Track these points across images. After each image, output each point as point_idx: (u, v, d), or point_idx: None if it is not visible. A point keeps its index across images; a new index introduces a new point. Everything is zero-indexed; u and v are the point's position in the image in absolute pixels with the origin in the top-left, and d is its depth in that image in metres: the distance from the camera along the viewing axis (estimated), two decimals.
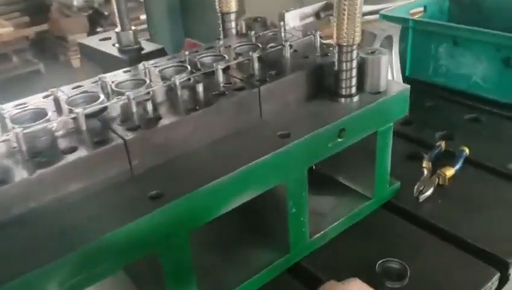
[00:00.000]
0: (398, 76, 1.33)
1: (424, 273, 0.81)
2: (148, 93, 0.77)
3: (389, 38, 1.30)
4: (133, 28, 1.05)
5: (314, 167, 1.00)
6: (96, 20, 5.29)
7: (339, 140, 0.80)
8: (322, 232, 0.88)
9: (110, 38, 1.11)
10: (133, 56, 1.01)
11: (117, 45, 1.06)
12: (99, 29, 5.16)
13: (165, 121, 0.71)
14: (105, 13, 5.20)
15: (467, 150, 1.10)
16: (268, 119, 0.80)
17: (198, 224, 0.67)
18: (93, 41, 1.13)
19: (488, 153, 1.12)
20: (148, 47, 1.05)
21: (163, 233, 0.64)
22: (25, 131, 0.65)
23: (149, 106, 0.74)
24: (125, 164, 0.67)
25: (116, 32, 1.05)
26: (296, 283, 0.82)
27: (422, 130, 1.23)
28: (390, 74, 1.29)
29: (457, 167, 1.05)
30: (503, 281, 0.82)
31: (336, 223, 0.90)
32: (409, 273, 0.80)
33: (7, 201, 0.59)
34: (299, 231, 0.83)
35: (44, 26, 5.26)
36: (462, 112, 1.32)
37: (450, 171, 1.03)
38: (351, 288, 0.67)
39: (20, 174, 0.60)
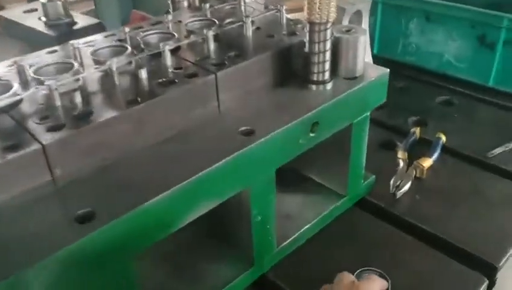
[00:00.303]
0: (368, 55, 1.22)
1: (405, 283, 0.72)
2: (77, 81, 0.62)
3: (358, 14, 1.18)
4: None
5: None
6: None
7: (311, 135, 0.68)
8: (290, 239, 0.77)
9: (36, 9, 0.93)
10: (63, 32, 0.84)
11: (44, 18, 0.88)
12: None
13: (98, 117, 0.56)
14: None
15: (443, 138, 1.01)
16: (227, 113, 0.67)
17: (141, 248, 0.54)
18: (15, 13, 0.94)
19: (464, 140, 1.04)
20: (82, 21, 0.88)
21: (96, 263, 0.50)
22: None
23: (77, 98, 0.59)
24: (45, 175, 0.53)
25: (42, 3, 0.87)
26: None
27: (394, 114, 1.14)
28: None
29: (435, 156, 0.96)
30: (490, 286, 0.74)
31: (306, 227, 0.79)
32: (389, 285, 0.70)
33: None
34: (265, 241, 0.72)
35: None
36: (434, 94, 1.23)
37: (427, 162, 0.94)
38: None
39: None
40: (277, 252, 0.75)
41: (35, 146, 0.52)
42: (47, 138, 0.52)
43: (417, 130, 1.04)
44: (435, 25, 1.25)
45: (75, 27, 0.87)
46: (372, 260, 0.76)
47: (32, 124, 0.55)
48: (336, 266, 0.75)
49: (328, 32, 0.69)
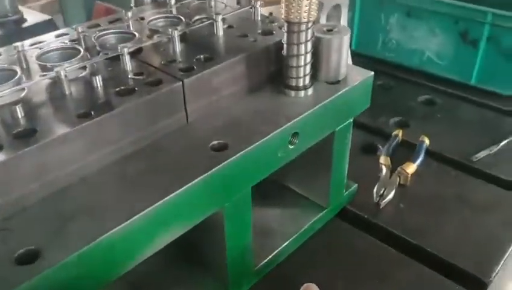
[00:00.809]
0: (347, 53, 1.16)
1: None
2: (20, 91, 0.53)
3: (337, 8, 1.12)
4: None
5: None
6: None
7: (291, 147, 0.62)
8: (268, 258, 0.70)
9: None
10: (10, 30, 0.74)
11: None
12: None
13: (43, 135, 0.48)
14: None
15: (426, 141, 0.96)
16: (197, 125, 0.59)
17: (100, 286, 0.46)
18: None
19: (448, 142, 0.99)
20: (32, 18, 0.79)
21: None
22: None
23: (19, 113, 0.51)
24: None
25: None
26: None
27: (375, 115, 1.08)
28: None
29: (418, 161, 0.91)
30: None
31: (285, 244, 0.73)
32: None
33: None
34: (241, 262, 0.65)
35: None
36: (415, 93, 1.18)
37: (411, 168, 0.89)
38: None
39: None
40: (255, 272, 0.68)
41: None
42: None
43: (399, 133, 0.99)
44: (417, 21, 1.20)
45: (24, 25, 0.77)
46: (355, 275, 0.71)
47: None
48: (317, 282, 0.69)
49: (309, 33, 0.62)
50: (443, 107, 1.13)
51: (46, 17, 0.80)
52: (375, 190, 0.84)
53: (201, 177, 0.51)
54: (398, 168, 0.88)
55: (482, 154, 0.95)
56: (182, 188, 0.49)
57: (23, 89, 0.54)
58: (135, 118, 0.54)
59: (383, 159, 0.91)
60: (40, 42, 0.65)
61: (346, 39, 0.66)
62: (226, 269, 0.64)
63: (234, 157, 0.54)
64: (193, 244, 0.66)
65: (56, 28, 0.75)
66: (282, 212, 0.78)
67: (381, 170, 0.89)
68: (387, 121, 1.07)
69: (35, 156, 0.47)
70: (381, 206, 0.82)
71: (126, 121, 0.53)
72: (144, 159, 0.54)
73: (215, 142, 0.56)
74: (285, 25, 0.62)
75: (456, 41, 1.15)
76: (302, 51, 0.63)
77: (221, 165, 0.53)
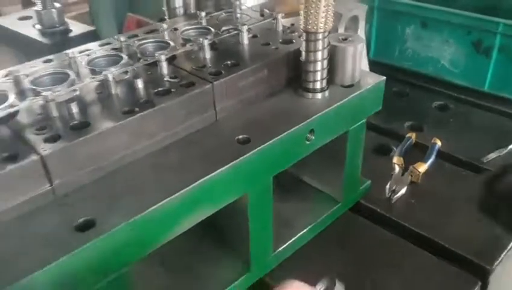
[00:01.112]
0: (364, 61, 1.23)
1: (399, 287, 0.73)
2: (74, 91, 0.62)
3: (354, 19, 1.19)
4: (57, 5, 0.87)
5: None
6: None
7: (307, 143, 0.69)
8: (287, 244, 0.77)
9: (31, 17, 0.93)
10: (58, 40, 0.84)
11: (38, 26, 0.88)
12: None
13: (95, 128, 0.57)
14: None
15: (438, 143, 1.02)
16: (224, 121, 0.67)
17: (140, 256, 0.54)
18: (10, 21, 0.94)
19: (459, 145, 1.04)
20: (76, 29, 0.88)
21: (97, 271, 0.50)
22: None
23: (74, 109, 0.59)
24: (44, 185, 0.53)
25: (37, 11, 0.87)
26: None
27: (390, 119, 1.14)
28: None
29: (430, 161, 0.97)
30: (483, 288, 0.75)
31: (302, 232, 0.79)
32: None
33: None
34: (262, 246, 0.72)
35: None
36: (430, 99, 1.24)
37: (422, 167, 0.95)
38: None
39: None
40: (274, 257, 0.75)
41: (33, 157, 0.52)
42: (45, 148, 0.53)
43: (413, 135, 1.05)
44: (431, 31, 1.26)
45: (70, 35, 0.87)
46: (366, 264, 0.78)
47: (30, 135, 0.55)
48: (331, 270, 0.76)
49: (325, 41, 0.69)
50: (456, 113, 1.18)
51: (89, 28, 0.89)
52: (387, 186, 0.90)
53: (228, 165, 0.59)
54: (410, 167, 0.94)
55: (491, 156, 1.00)
56: (212, 174, 0.57)
57: (76, 89, 0.63)
58: (171, 115, 0.62)
59: (396, 159, 0.97)
60: (87, 50, 0.74)
61: (360, 47, 0.73)
62: (248, 251, 0.71)
63: (256, 149, 0.62)
64: (219, 227, 0.74)
65: (97, 38, 0.84)
66: (299, 205, 0.85)
67: (394, 168, 0.95)
68: (401, 124, 1.13)
69: (88, 144, 0.56)
70: (392, 201, 0.88)
71: (164, 117, 0.62)
72: (179, 150, 0.62)
73: (240, 136, 0.64)
74: (304, 34, 0.69)
75: (469, 50, 1.20)
76: (319, 57, 0.70)
77: (245, 156, 0.61)
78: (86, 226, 0.50)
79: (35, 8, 0.86)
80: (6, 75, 0.64)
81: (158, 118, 0.61)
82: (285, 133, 0.65)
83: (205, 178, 0.57)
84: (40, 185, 0.53)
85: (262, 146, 0.62)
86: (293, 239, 0.78)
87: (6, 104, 0.57)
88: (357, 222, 0.87)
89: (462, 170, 0.98)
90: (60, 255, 0.46)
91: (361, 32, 1.22)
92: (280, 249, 0.76)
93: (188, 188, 0.55)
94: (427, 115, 1.17)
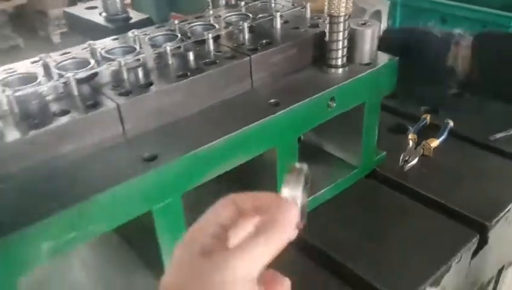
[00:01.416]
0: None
1: (407, 235, 0.85)
2: (139, 60, 0.77)
3: (377, 14, 1.31)
4: None
5: (302, 137, 1.02)
6: None
7: (329, 109, 0.82)
8: (309, 198, 0.90)
9: (96, 7, 1.10)
10: (121, 25, 1.00)
11: (104, 14, 1.05)
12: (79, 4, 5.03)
13: (156, 87, 0.71)
14: None
15: (451, 123, 1.12)
16: (259, 89, 0.81)
17: (190, 186, 0.68)
18: (78, 10, 1.11)
19: (471, 126, 1.14)
20: (135, 16, 1.04)
21: (156, 195, 0.64)
22: (16, 94, 0.64)
23: (140, 73, 0.74)
24: (118, 127, 0.68)
25: (103, 0, 1.04)
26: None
27: (407, 103, 1.25)
28: None
29: (442, 138, 1.08)
30: (482, 243, 0.85)
31: (323, 190, 0.92)
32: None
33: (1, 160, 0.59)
34: None
35: (23, 0, 5.10)
36: (447, 88, 1.34)
37: (434, 143, 1.05)
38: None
39: (14, 135, 0.60)
40: None
41: (111, 105, 0.67)
42: (120, 99, 0.68)
43: (428, 117, 1.16)
44: (450, 26, 1.36)
45: (131, 21, 1.03)
46: (378, 219, 0.89)
47: (108, 91, 0.70)
48: (349, 222, 0.88)
49: (346, 23, 0.82)
50: (470, 100, 1.28)
51: (145, 16, 1.05)
52: (401, 157, 1.02)
53: (261, 121, 0.72)
54: (423, 142, 1.05)
55: (499, 135, 1.10)
56: (248, 126, 0.71)
57: (140, 59, 0.78)
58: (216, 81, 0.76)
59: (410, 136, 1.09)
60: (146, 31, 0.89)
61: (375, 30, 0.86)
62: None
63: (285, 110, 0.75)
64: (248, 179, 0.87)
65: (153, 24, 0.99)
66: (321, 169, 0.98)
67: (408, 143, 1.07)
68: (418, 108, 1.23)
69: (152, 99, 0.70)
70: (405, 169, 0.99)
71: (210, 82, 0.76)
72: (222, 109, 0.76)
73: (271, 100, 0.77)
74: (328, 17, 0.82)
75: None
76: (340, 37, 0.83)
77: (275, 115, 0.74)
78: (151, 159, 0.64)
79: None
80: (85, 48, 0.80)
81: (205, 82, 0.75)
82: (309, 99, 0.78)
83: (243, 129, 0.70)
84: (115, 128, 0.68)
85: (290, 108, 0.76)
86: (315, 195, 0.91)
87: (89, 67, 0.72)
88: (372, 186, 0.98)
89: (471, 147, 1.09)
90: (132, 176, 0.61)
91: (383, 26, 1.34)
92: None
93: (229, 136, 0.69)
94: (443, 101, 1.27)
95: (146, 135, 0.69)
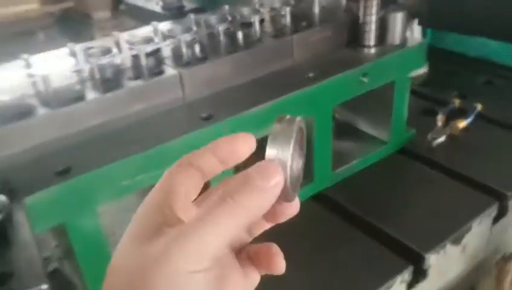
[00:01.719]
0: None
1: (431, 201, 0.93)
2: (195, 39, 0.89)
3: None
4: None
5: (336, 116, 1.11)
6: None
7: (361, 83, 0.91)
8: (344, 167, 0.99)
9: None
10: (175, 13, 1.13)
11: (160, 3, 1.18)
12: (122, 7, 5.30)
13: (210, 60, 0.83)
14: None
15: (479, 106, 1.19)
16: (300, 64, 0.92)
17: None
18: (138, 1, 1.25)
19: (499, 110, 1.21)
20: (188, 5, 1.17)
21: None
22: (99, 62, 0.77)
23: (196, 48, 0.86)
24: (179, 92, 0.80)
25: None
26: (320, 207, 0.94)
27: (438, 90, 1.32)
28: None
29: (469, 120, 1.15)
30: (502, 211, 0.92)
31: (355, 161, 1.01)
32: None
33: (84, 114, 0.72)
34: (323, 163, 0.95)
35: (69, 3, 5.42)
36: (477, 76, 1.40)
37: (462, 123, 1.13)
38: None
39: (94, 94, 0.73)
40: (332, 175, 0.98)
41: (174, 73, 0.79)
42: (181, 69, 0.80)
43: (457, 101, 1.23)
44: None
45: (185, 9, 1.16)
46: (405, 187, 0.98)
47: (170, 62, 0.83)
48: (379, 190, 0.97)
49: (377, 7, 0.92)
50: (500, 87, 1.34)
51: (198, 5, 1.18)
52: (429, 135, 1.09)
53: (300, 90, 0.83)
54: (451, 122, 1.13)
55: None
56: (289, 94, 0.81)
57: (195, 37, 0.90)
58: (261, 56, 0.87)
59: (439, 117, 1.16)
60: (200, 16, 1.01)
61: (404, 15, 0.95)
62: (312, 167, 0.94)
63: (320, 83, 0.85)
64: None
65: (204, 12, 1.11)
66: (354, 144, 1.07)
67: (437, 123, 1.14)
68: (448, 94, 1.30)
69: (207, 69, 0.82)
70: (433, 145, 1.07)
71: (256, 57, 0.87)
72: (267, 80, 0.87)
73: (310, 74, 0.87)
74: (362, 2, 0.92)
75: None
76: (373, 19, 0.92)
77: (312, 86, 0.84)
78: (207, 118, 0.76)
79: None
80: (151, 30, 0.93)
81: (252, 57, 0.86)
82: (343, 73, 0.88)
83: (284, 96, 0.81)
84: (177, 92, 0.80)
85: (326, 80, 0.86)
86: (348, 165, 1.00)
87: (154, 42, 0.85)
88: (402, 160, 1.07)
89: (497, 129, 1.15)
90: (194, 130, 0.72)
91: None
92: (338, 170, 0.99)
93: (272, 101, 0.80)
94: (472, 88, 1.34)
95: (202, 99, 0.81)
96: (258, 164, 0.33)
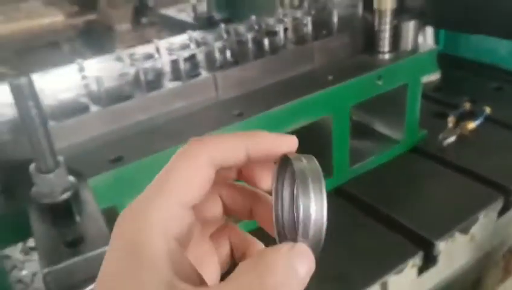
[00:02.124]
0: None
1: (440, 194, 1.01)
2: (225, 46, 0.99)
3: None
4: None
5: (353, 117, 1.20)
6: (140, 11, 5.59)
7: (377, 86, 1.00)
8: (359, 164, 1.08)
9: (184, 10, 1.35)
10: (206, 23, 1.23)
11: (192, 14, 1.29)
12: (144, 20, 5.48)
13: (241, 64, 0.93)
14: (150, 5, 5.51)
15: (488, 109, 1.26)
16: (320, 68, 1.01)
17: None
18: (170, 12, 1.37)
19: (507, 113, 1.28)
20: (216, 16, 1.28)
21: None
22: (142, 66, 0.88)
23: (228, 54, 0.96)
24: (213, 92, 0.90)
25: (192, 4, 1.28)
26: (338, 200, 1.03)
27: (450, 95, 1.40)
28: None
29: (478, 122, 1.22)
30: (507, 205, 1.00)
31: (370, 158, 1.10)
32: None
33: (131, 110, 0.82)
34: (341, 159, 1.03)
35: (92, 16, 5.62)
36: (488, 82, 1.48)
37: (471, 124, 1.21)
38: None
39: (140, 94, 0.84)
40: (350, 170, 1.06)
41: (209, 75, 0.89)
42: (215, 71, 0.90)
43: (467, 105, 1.31)
44: None
45: (214, 20, 1.26)
46: (416, 182, 1.06)
47: (205, 65, 0.93)
48: (389, 184, 1.05)
49: (391, 16, 1.01)
50: (509, 93, 1.41)
51: (225, 16, 1.29)
52: (440, 135, 1.17)
53: (320, 91, 0.92)
54: (461, 123, 1.21)
55: None
56: (309, 95, 0.91)
57: (225, 45, 1.00)
58: (285, 60, 0.97)
59: (450, 119, 1.24)
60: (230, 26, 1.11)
61: (416, 23, 1.04)
62: (332, 163, 1.03)
63: (337, 85, 0.94)
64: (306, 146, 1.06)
65: (232, 22, 1.22)
66: (369, 143, 1.16)
67: (447, 125, 1.22)
68: (459, 99, 1.38)
69: (237, 72, 0.92)
70: (443, 145, 1.15)
71: (280, 61, 0.96)
72: (290, 82, 0.96)
73: (329, 77, 0.97)
74: (377, 11, 1.01)
75: None
76: (387, 27, 1.02)
77: (330, 87, 0.93)
78: (239, 115, 0.85)
79: (192, 1, 1.27)
80: (187, 38, 1.03)
81: (277, 61, 0.96)
82: (359, 76, 0.97)
83: (306, 96, 0.90)
84: (210, 93, 0.90)
85: (343, 83, 0.95)
86: (364, 161, 1.09)
87: (190, 48, 0.95)
88: (413, 158, 1.15)
89: (505, 131, 1.22)
90: (227, 125, 0.82)
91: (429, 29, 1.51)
92: (355, 166, 1.07)
93: (295, 100, 0.89)
94: (483, 93, 1.41)
95: (234, 98, 0.91)
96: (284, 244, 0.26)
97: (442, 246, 0.90)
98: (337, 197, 1.03)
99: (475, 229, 0.96)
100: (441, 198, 1.00)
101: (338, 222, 0.99)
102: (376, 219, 0.97)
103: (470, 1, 1.26)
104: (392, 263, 0.86)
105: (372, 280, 0.82)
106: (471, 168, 1.07)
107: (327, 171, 1.04)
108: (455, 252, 0.95)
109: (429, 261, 0.91)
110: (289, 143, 0.31)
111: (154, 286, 0.23)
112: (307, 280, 0.25)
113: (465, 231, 0.94)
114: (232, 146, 0.29)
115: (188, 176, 0.28)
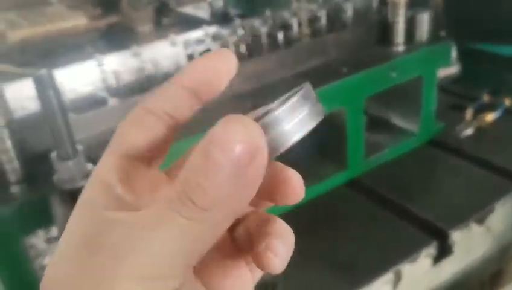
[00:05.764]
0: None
1: (456, 185, 1.00)
2: (241, 39, 1.01)
3: None
4: None
5: (369, 111, 1.20)
6: (161, 12, 5.68)
7: (390, 77, 1.00)
8: (375, 155, 1.08)
9: (200, 8, 1.37)
10: (221, 18, 1.26)
11: (209, 12, 1.31)
12: (165, 21, 5.56)
13: (256, 56, 0.95)
14: (170, 6, 5.59)
15: (507, 101, 1.25)
16: (335, 60, 1.02)
17: None
18: (186, 10, 1.40)
19: None
20: (232, 12, 1.30)
21: None
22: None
23: (242, 48, 0.98)
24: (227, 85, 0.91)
25: (209, 1, 1.31)
26: (353, 191, 1.03)
27: (469, 88, 1.39)
28: None
29: (497, 114, 1.21)
30: None
31: (387, 149, 1.10)
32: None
33: None
34: (356, 151, 1.04)
35: (114, 18, 5.73)
36: (508, 74, 1.45)
37: (489, 117, 1.19)
38: None
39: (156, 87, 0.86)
40: (366, 162, 1.06)
41: None
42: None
43: (486, 97, 1.29)
44: None
45: (229, 16, 1.28)
46: (432, 173, 1.05)
47: None
48: (405, 175, 1.06)
49: (404, 8, 1.01)
50: None
51: (239, 12, 1.31)
52: (457, 127, 1.17)
53: (333, 83, 0.93)
54: (479, 115, 1.20)
55: None
56: (323, 86, 0.92)
57: (240, 40, 1.01)
58: (301, 53, 0.98)
59: (468, 111, 1.23)
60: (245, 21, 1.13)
61: (431, 15, 1.03)
62: (346, 155, 1.03)
63: (351, 76, 0.95)
64: (320, 139, 1.07)
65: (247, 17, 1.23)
66: (386, 135, 1.16)
67: (465, 116, 1.21)
68: (479, 92, 1.37)
69: (251, 64, 0.93)
70: (460, 137, 1.15)
71: (295, 54, 0.98)
72: (304, 76, 0.97)
73: (344, 69, 0.97)
74: (390, 3, 1.01)
75: None
76: (401, 20, 1.02)
77: (344, 79, 0.94)
78: (255, 107, 0.87)
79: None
80: (203, 33, 1.05)
81: (292, 54, 0.97)
82: (373, 68, 0.97)
83: (321, 88, 0.91)
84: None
85: (358, 74, 0.96)
86: (380, 153, 1.09)
87: (206, 43, 0.97)
88: (430, 151, 1.14)
89: None
90: None
91: None
92: (370, 157, 1.08)
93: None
94: (503, 86, 1.39)
95: (248, 91, 0.93)
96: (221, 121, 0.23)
97: (456, 237, 0.90)
98: (352, 188, 1.04)
99: (492, 221, 0.95)
100: (456, 189, 1.00)
101: (353, 214, 1.01)
102: (390, 210, 0.97)
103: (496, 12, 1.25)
104: (405, 252, 0.87)
105: (385, 268, 0.82)
106: (488, 159, 1.07)
107: (342, 163, 1.05)
108: (472, 243, 0.95)
109: (444, 251, 0.91)
110: (224, 59, 0.29)
111: (89, 219, 0.25)
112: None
113: (480, 221, 0.94)
114: (165, 90, 0.28)
115: (124, 132, 0.27)
